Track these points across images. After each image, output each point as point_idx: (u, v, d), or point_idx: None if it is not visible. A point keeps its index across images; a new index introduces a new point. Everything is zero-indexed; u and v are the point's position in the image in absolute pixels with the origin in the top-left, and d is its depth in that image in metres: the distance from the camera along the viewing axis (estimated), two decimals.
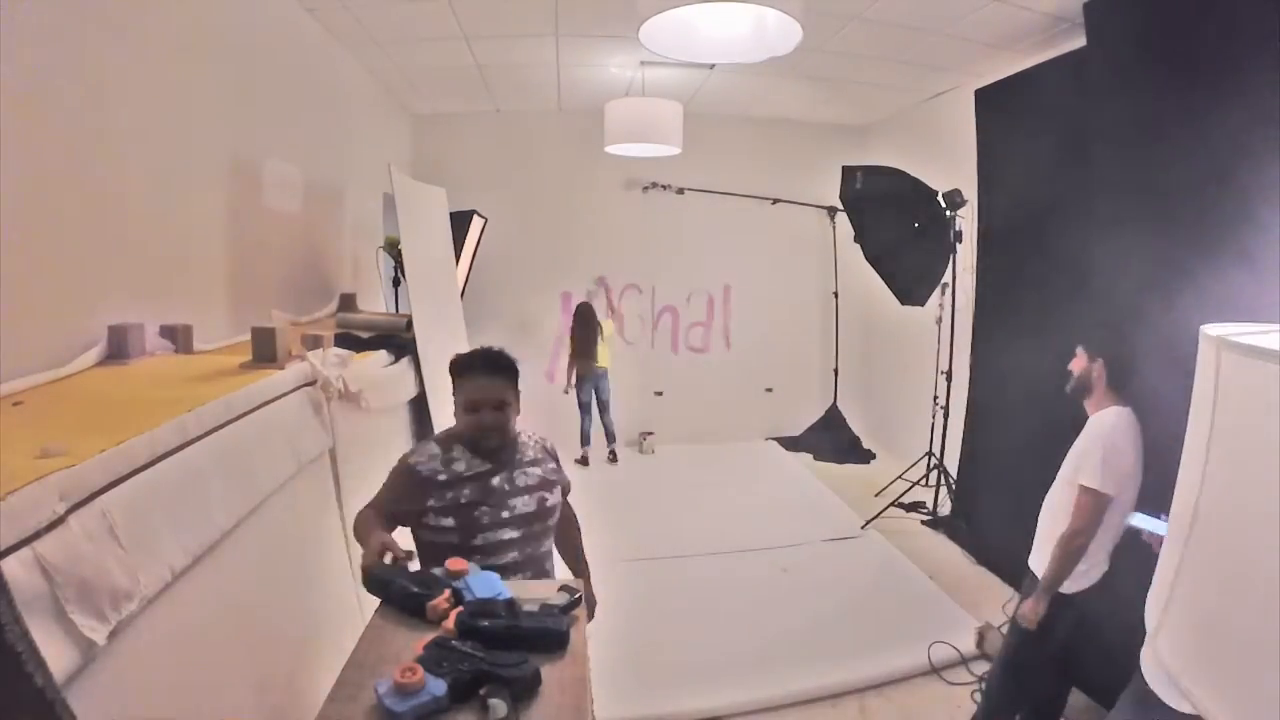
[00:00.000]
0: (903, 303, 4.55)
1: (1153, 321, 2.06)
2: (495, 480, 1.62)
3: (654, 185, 5.76)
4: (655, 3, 2.16)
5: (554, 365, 5.83)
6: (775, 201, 5.90)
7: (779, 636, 2.99)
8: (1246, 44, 2.07)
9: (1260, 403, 0.77)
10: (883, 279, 4.64)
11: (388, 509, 1.62)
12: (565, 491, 1.80)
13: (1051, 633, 2.03)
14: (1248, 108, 2.02)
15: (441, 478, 1.59)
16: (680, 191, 5.79)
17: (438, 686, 1.18)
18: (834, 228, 5.90)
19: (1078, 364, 2.07)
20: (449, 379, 1.65)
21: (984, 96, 3.93)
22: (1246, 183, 1.99)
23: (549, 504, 1.69)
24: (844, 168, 4.52)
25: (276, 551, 1.68)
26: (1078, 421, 2.08)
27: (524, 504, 1.64)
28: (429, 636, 1.26)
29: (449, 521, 1.58)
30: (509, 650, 1.27)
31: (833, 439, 5.93)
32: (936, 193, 4.07)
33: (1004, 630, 2.83)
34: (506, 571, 1.53)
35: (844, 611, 3.21)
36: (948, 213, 4.03)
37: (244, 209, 2.69)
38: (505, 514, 1.61)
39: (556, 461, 1.79)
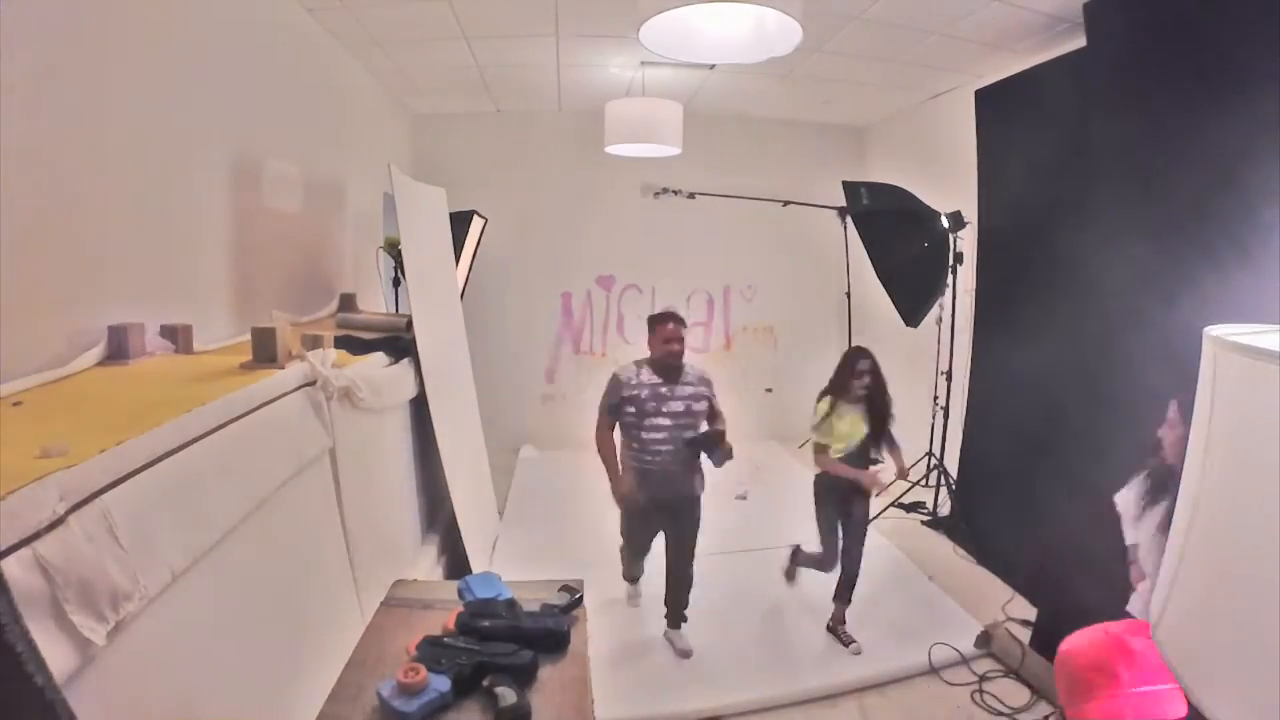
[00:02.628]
0: (907, 324, 4.46)
1: (1153, 322, 2.06)
2: (663, 389, 2.70)
3: (665, 191, 5.73)
4: (656, 3, 2.16)
5: (554, 364, 5.86)
6: (786, 204, 5.88)
7: (779, 636, 2.99)
8: (1247, 44, 2.07)
9: (1260, 403, 0.77)
10: (891, 298, 4.48)
11: (608, 404, 2.74)
12: (711, 403, 2.84)
13: None
14: (1248, 108, 2.02)
15: (632, 383, 2.69)
16: (691, 196, 5.77)
17: (441, 683, 1.18)
18: (845, 228, 5.86)
19: None
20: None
21: (984, 96, 3.93)
22: (1247, 183, 1.99)
23: (694, 409, 2.76)
24: (845, 183, 4.48)
25: (276, 551, 1.68)
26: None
27: (677, 405, 2.71)
28: (421, 637, 1.27)
29: (631, 409, 2.69)
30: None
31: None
32: (939, 214, 4.04)
33: (1010, 630, 2.83)
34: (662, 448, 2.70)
35: None
36: (949, 235, 4.01)
37: (244, 209, 2.69)
38: (664, 409, 2.69)
39: (709, 387, 2.83)
